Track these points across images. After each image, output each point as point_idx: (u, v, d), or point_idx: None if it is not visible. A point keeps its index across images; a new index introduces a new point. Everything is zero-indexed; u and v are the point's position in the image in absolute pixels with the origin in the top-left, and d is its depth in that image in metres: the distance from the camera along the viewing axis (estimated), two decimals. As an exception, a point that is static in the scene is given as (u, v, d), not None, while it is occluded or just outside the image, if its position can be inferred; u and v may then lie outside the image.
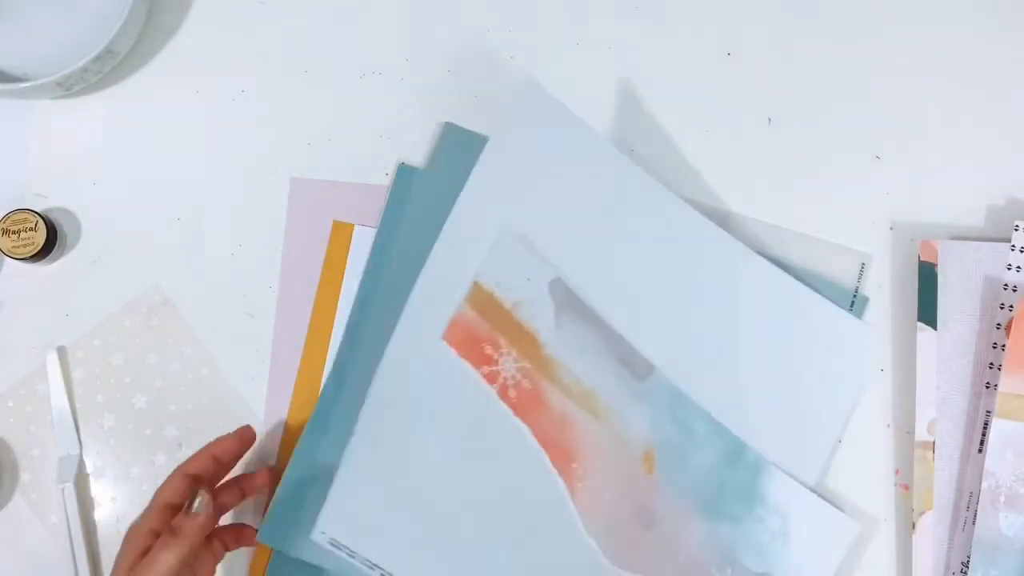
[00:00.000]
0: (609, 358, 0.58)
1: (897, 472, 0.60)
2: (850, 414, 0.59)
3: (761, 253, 0.61)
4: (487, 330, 0.58)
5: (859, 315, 0.61)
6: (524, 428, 0.57)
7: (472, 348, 0.58)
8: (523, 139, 0.60)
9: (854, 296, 0.61)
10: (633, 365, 0.58)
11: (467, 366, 0.57)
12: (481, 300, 0.58)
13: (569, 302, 0.59)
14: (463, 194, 0.59)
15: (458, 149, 0.61)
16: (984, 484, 0.55)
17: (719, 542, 0.57)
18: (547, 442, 0.57)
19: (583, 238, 0.60)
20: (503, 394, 0.57)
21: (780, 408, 0.59)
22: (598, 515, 0.57)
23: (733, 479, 0.57)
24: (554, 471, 0.57)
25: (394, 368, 0.57)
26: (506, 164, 0.59)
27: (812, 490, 0.58)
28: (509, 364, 0.58)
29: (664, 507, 0.57)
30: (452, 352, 0.57)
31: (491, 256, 0.58)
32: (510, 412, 0.57)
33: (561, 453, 0.57)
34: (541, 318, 0.58)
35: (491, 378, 0.57)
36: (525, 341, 0.58)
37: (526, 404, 0.57)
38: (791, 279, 0.60)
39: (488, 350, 0.58)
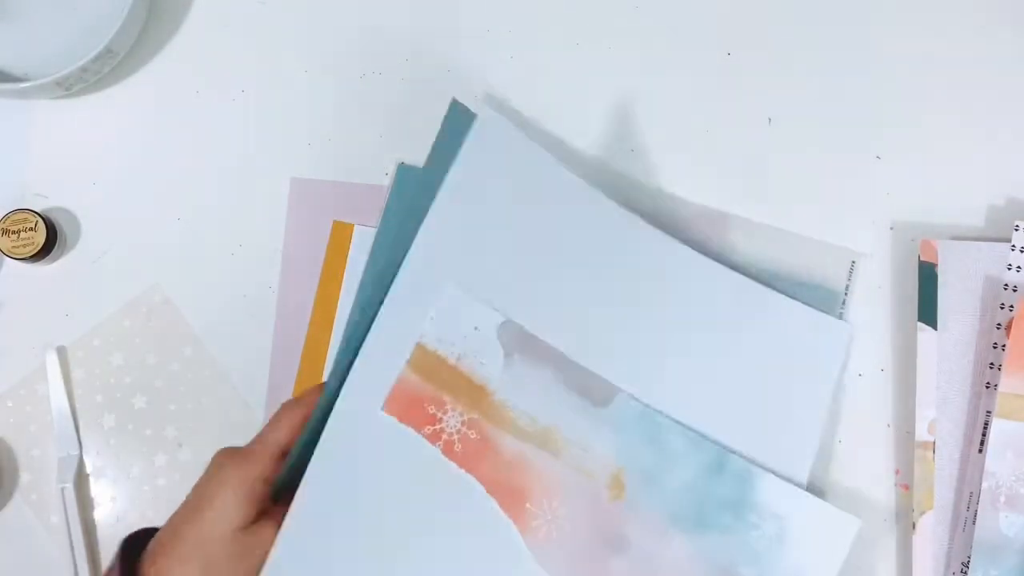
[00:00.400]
0: (566, 390, 0.57)
1: (897, 472, 0.60)
2: (825, 408, 0.58)
3: (750, 255, 0.61)
4: (431, 391, 0.57)
5: (848, 313, 0.61)
6: (470, 479, 0.56)
7: (414, 412, 0.56)
8: (477, 178, 0.59)
9: (845, 295, 0.61)
10: (592, 392, 0.57)
11: (409, 431, 0.56)
12: (424, 361, 0.57)
13: (520, 342, 0.58)
14: (412, 252, 0.58)
15: (461, 133, 0.60)
16: (984, 484, 0.55)
17: (708, 555, 0.56)
18: (496, 489, 0.56)
19: (536, 271, 0.59)
20: (448, 451, 0.56)
21: (759, 411, 0.58)
22: (556, 550, 0.56)
23: (718, 490, 0.56)
24: (504, 515, 0.56)
25: (334, 445, 0.55)
26: (458, 213, 0.58)
27: (806, 489, 0.57)
28: (454, 419, 0.57)
29: (637, 530, 0.56)
30: (394, 420, 0.56)
31: (434, 315, 0.57)
32: (455, 466, 0.56)
33: (512, 496, 0.56)
34: (489, 365, 0.57)
35: (434, 437, 0.56)
36: (471, 392, 0.57)
37: (473, 455, 0.56)
38: (752, 282, 0.59)
39: (431, 410, 0.56)
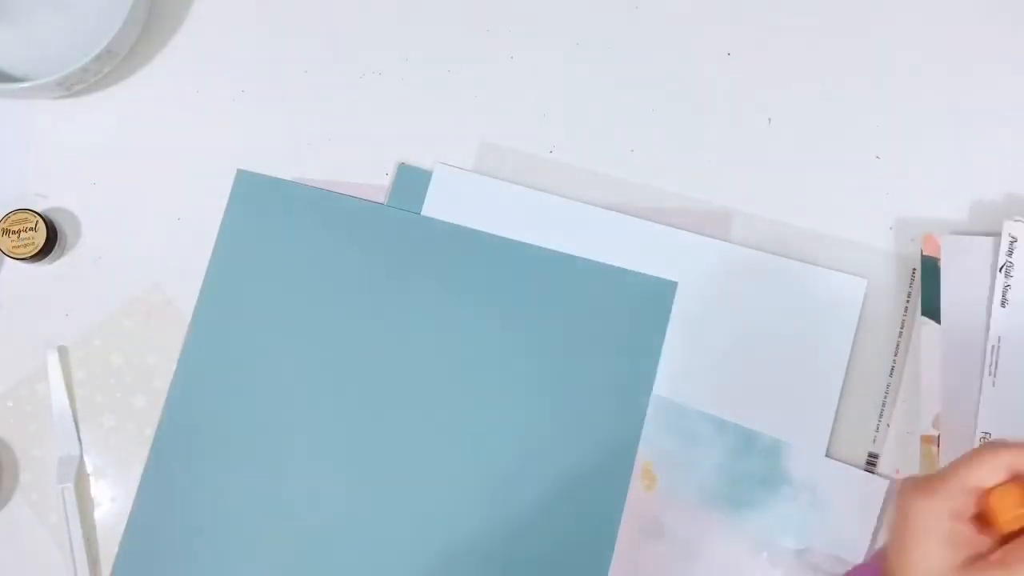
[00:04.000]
0: None
1: (897, 472, 0.60)
2: (845, 363, 0.60)
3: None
4: None
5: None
6: None
7: None
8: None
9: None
10: None
11: None
12: None
13: None
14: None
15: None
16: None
17: (746, 530, 0.58)
18: None
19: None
20: None
21: (779, 385, 0.60)
22: None
23: (750, 467, 0.59)
24: None
25: None
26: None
27: (831, 457, 0.59)
28: None
29: (673, 516, 0.59)
30: None
31: None
32: None
33: None
34: None
35: None
36: None
37: None
38: (760, 253, 0.61)
39: None
